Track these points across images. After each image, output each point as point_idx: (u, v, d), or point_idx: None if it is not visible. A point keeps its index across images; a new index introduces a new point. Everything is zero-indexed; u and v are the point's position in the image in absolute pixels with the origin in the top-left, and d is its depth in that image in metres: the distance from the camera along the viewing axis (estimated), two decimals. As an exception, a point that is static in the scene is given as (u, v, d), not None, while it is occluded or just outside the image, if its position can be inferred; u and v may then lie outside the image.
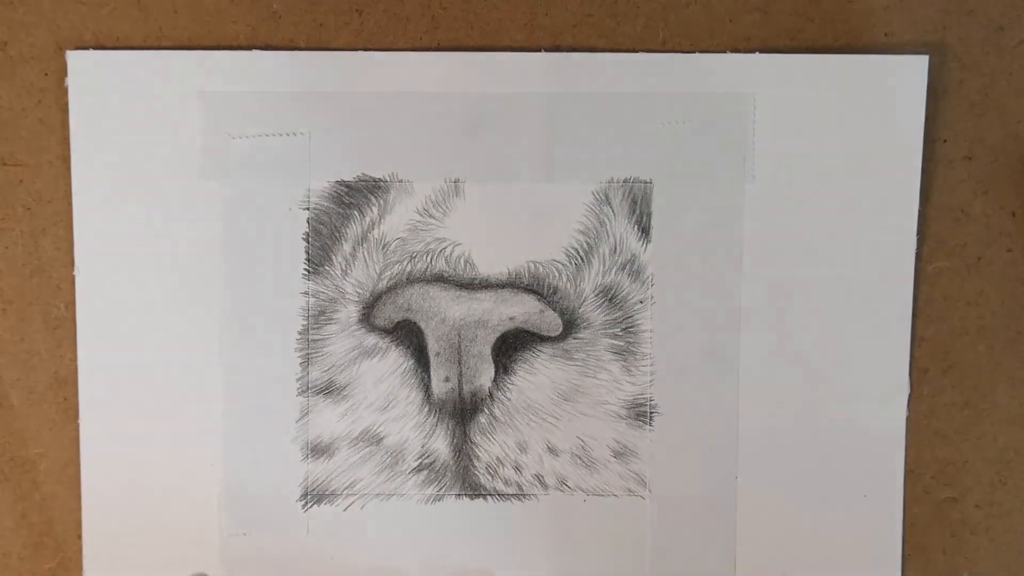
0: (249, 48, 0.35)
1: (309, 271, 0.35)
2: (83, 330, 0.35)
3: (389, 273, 0.35)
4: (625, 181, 0.35)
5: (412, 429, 0.36)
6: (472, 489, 0.36)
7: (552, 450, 0.36)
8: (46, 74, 0.35)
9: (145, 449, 0.35)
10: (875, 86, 0.35)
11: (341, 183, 0.35)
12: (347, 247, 0.35)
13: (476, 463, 0.36)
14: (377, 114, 0.35)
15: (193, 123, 0.35)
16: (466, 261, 0.35)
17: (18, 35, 0.35)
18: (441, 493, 0.36)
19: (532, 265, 0.35)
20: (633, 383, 0.36)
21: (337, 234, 0.35)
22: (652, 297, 0.36)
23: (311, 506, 0.36)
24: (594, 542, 0.36)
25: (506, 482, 0.36)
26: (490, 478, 0.36)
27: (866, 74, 0.35)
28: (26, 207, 0.35)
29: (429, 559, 0.36)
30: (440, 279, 0.35)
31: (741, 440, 0.36)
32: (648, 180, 0.35)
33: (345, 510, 0.36)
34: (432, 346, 0.35)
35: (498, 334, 0.35)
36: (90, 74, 0.35)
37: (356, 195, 0.35)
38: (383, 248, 0.35)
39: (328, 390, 0.36)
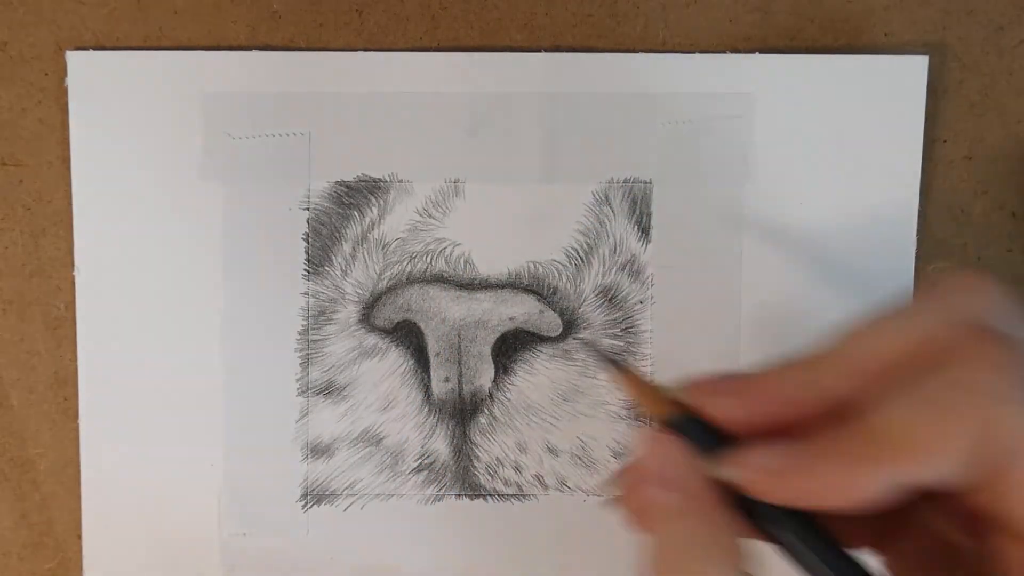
0: (249, 48, 0.35)
1: (309, 271, 0.35)
2: (83, 330, 0.35)
3: (389, 273, 0.35)
4: (625, 181, 0.35)
5: (412, 429, 0.36)
6: (472, 489, 0.36)
7: (552, 450, 0.36)
8: (46, 74, 0.35)
9: (145, 449, 0.35)
10: (875, 86, 0.35)
11: (341, 183, 0.35)
12: (347, 247, 0.35)
13: (476, 463, 0.36)
14: (377, 114, 0.35)
15: (193, 123, 0.35)
16: (466, 261, 0.35)
17: (18, 35, 0.35)
18: (441, 493, 0.36)
19: (532, 265, 0.35)
20: (633, 383, 0.36)
21: (337, 234, 0.35)
22: (652, 297, 0.36)
23: (311, 506, 0.36)
24: (594, 542, 0.36)
25: (506, 482, 0.36)
26: (490, 478, 0.36)
27: (866, 74, 0.35)
28: (26, 207, 0.35)
29: (429, 559, 0.36)
30: (440, 279, 0.35)
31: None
32: (648, 180, 0.35)
33: (345, 510, 0.36)
34: (432, 346, 0.35)
35: (498, 334, 0.35)
36: (90, 74, 0.35)
37: (356, 195, 0.35)
38: (383, 248, 0.35)
39: (328, 390, 0.36)
